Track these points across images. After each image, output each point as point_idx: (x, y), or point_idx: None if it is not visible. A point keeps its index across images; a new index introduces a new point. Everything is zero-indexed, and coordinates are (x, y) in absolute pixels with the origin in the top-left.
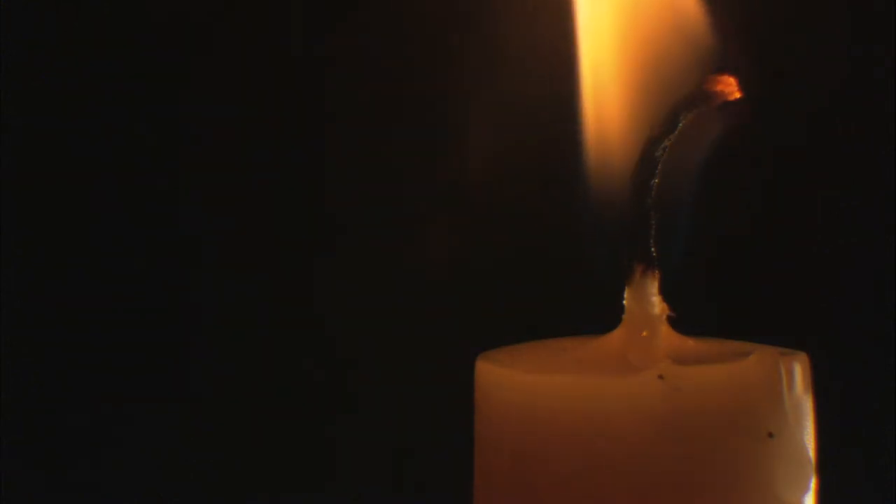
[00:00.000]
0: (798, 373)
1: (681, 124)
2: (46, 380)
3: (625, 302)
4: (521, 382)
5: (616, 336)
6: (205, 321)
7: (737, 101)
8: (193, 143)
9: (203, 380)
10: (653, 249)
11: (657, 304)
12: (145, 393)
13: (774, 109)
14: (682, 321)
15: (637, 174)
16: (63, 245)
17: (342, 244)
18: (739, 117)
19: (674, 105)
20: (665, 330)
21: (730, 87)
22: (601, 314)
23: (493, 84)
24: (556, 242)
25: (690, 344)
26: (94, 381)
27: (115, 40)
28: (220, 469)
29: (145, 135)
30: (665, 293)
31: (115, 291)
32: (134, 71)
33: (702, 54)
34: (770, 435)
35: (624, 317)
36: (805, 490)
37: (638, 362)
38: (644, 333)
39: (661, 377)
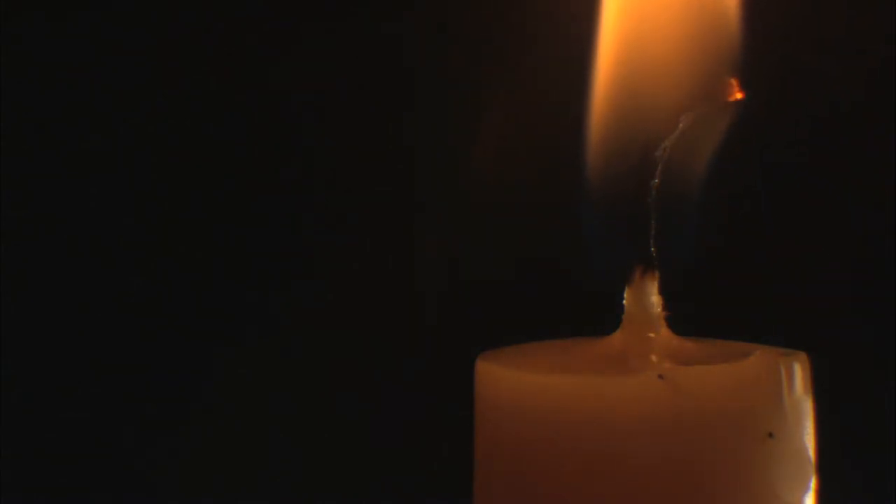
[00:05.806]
0: (798, 373)
1: (681, 125)
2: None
3: (624, 303)
4: (521, 382)
5: (616, 337)
6: (205, 319)
7: (739, 101)
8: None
9: (202, 380)
10: (653, 249)
11: (657, 305)
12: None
13: (776, 109)
14: (682, 321)
15: (637, 174)
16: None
17: (342, 243)
18: (742, 117)
19: (675, 105)
20: (664, 330)
21: (732, 89)
22: (601, 315)
23: (497, 82)
24: (556, 243)
25: (690, 344)
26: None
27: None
28: (218, 470)
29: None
30: (665, 293)
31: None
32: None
33: (715, 57)
34: (770, 435)
35: (624, 318)
36: (805, 490)
37: (638, 363)
38: (644, 334)
39: (661, 377)
